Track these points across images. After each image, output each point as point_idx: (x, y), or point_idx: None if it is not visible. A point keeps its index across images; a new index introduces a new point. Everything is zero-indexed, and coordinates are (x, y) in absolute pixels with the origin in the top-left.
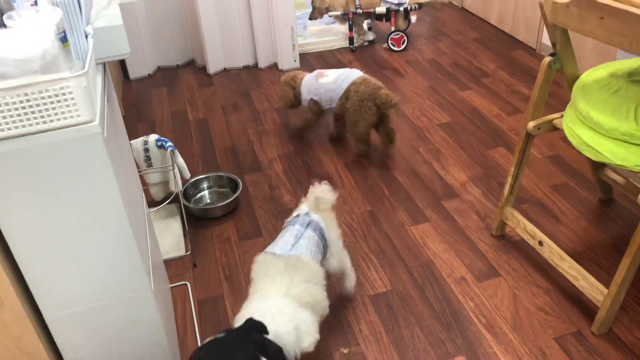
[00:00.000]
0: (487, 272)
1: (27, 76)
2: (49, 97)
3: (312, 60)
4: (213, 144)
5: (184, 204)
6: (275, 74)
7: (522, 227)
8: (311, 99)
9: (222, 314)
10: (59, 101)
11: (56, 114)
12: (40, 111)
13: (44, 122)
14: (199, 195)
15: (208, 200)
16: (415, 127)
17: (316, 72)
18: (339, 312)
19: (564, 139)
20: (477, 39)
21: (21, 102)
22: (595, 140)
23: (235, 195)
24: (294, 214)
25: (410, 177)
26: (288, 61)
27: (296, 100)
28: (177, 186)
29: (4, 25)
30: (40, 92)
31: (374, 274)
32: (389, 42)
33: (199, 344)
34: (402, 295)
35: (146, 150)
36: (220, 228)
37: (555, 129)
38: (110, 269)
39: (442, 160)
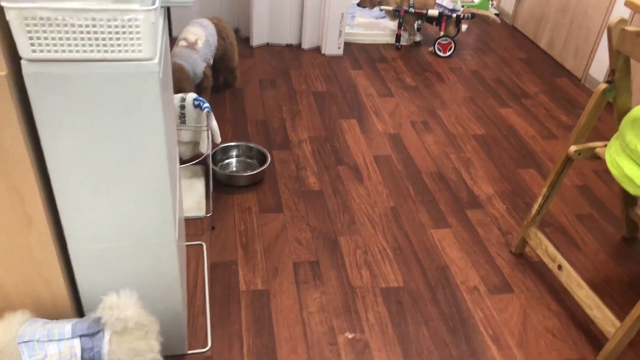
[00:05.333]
0: (500, 286)
1: (98, 1)
2: (116, 26)
3: (355, 51)
4: (246, 114)
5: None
6: (317, 58)
7: (544, 248)
8: (206, 66)
9: (234, 278)
10: (124, 33)
11: (119, 45)
12: (104, 39)
13: (105, 52)
14: (226, 161)
15: (234, 168)
16: (449, 133)
17: (182, 47)
18: (348, 297)
19: (595, 171)
20: (523, 59)
21: (87, 26)
22: (637, 173)
23: (263, 167)
24: (91, 315)
25: (438, 181)
26: (332, 47)
27: (193, 86)
28: (208, 148)
29: None
30: (109, 19)
31: (388, 268)
32: (436, 46)
33: (207, 305)
34: (413, 294)
35: (182, 107)
36: (242, 197)
37: (596, 157)
38: (141, 212)
39: (471, 170)
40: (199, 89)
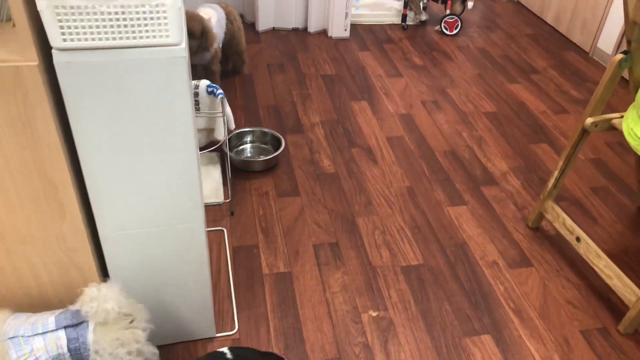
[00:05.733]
0: (519, 260)
1: None
2: (144, 12)
3: (362, 32)
4: (257, 100)
5: (225, 153)
6: (324, 41)
7: (561, 221)
8: (217, 45)
9: (256, 262)
10: (152, 19)
11: (147, 31)
12: (132, 26)
13: (134, 38)
14: (241, 147)
15: (249, 154)
16: (460, 111)
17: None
18: (369, 276)
19: (608, 144)
20: (529, 35)
21: (116, 13)
22: None
23: (278, 152)
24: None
25: (451, 159)
26: (338, 29)
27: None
28: (225, 134)
29: None
30: (137, 6)
31: (407, 247)
32: (442, 25)
33: (232, 288)
34: (433, 271)
35: (196, 94)
36: (259, 182)
37: (613, 128)
38: (170, 197)
39: (484, 148)
40: (208, 73)
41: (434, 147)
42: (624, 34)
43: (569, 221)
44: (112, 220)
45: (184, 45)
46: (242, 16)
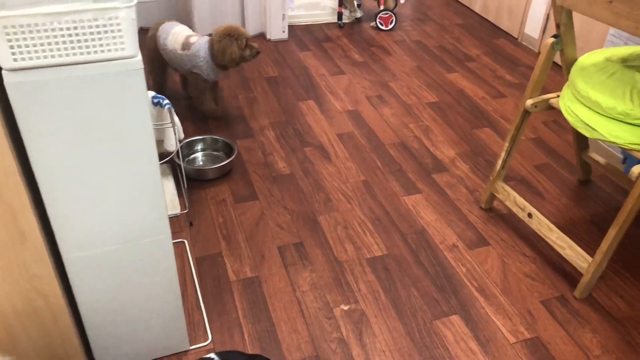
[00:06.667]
0: (477, 241)
1: (78, 2)
2: (97, 26)
3: (300, 33)
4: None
5: (177, 164)
6: (263, 43)
7: (512, 200)
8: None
9: (221, 270)
10: (106, 32)
11: (102, 45)
12: (86, 40)
13: (89, 53)
14: (192, 156)
15: (201, 162)
16: (404, 104)
17: (197, 40)
18: (337, 271)
19: (545, 123)
20: (461, 25)
21: (68, 29)
22: (591, 118)
23: (231, 158)
24: None
25: (402, 151)
26: (277, 31)
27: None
28: (177, 145)
29: None
30: (89, 20)
31: (370, 239)
32: (377, 20)
33: (200, 299)
34: (397, 259)
35: None
36: (215, 190)
37: (551, 108)
38: (135, 211)
39: (431, 137)
40: (213, 89)
41: (383, 140)
42: (554, 18)
43: (519, 199)
44: (76, 241)
45: (139, 57)
46: None
